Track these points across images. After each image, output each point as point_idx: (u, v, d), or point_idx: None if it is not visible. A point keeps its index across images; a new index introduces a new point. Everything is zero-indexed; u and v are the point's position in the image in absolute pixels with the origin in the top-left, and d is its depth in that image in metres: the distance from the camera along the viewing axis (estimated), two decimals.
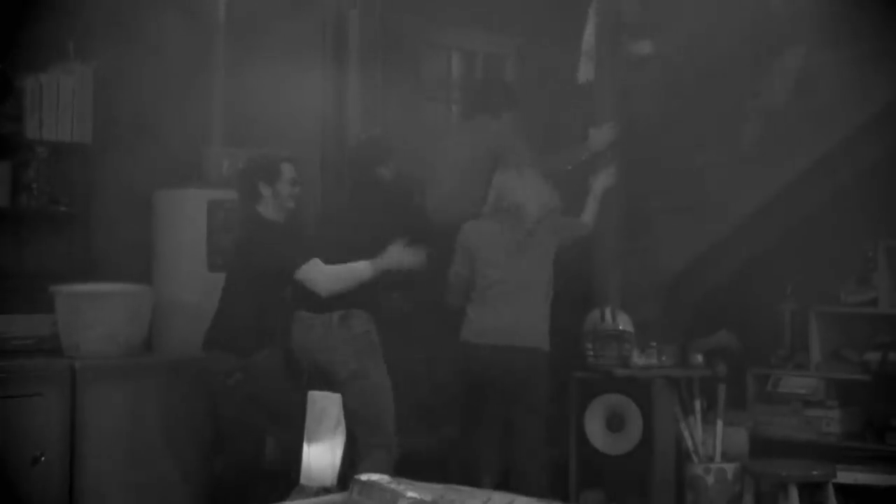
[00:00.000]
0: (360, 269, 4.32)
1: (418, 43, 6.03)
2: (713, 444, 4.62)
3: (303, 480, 3.50)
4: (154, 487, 4.50)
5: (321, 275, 4.29)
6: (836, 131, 5.08)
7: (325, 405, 3.58)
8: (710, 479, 4.52)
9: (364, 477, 3.14)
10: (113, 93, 4.93)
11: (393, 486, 3.05)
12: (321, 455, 3.51)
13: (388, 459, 4.28)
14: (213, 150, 5.12)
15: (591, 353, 4.72)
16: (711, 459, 4.59)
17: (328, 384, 4.16)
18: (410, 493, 2.99)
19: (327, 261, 4.33)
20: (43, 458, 4.25)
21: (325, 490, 3.43)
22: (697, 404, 4.66)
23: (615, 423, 4.60)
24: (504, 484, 4.13)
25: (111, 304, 4.60)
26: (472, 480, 3.99)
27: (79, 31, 4.84)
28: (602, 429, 4.62)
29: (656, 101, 5.29)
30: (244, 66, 5.25)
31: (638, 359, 4.70)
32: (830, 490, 4.40)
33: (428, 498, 2.94)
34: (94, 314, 4.55)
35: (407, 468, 3.61)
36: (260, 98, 5.29)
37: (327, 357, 4.34)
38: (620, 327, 4.75)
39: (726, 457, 4.62)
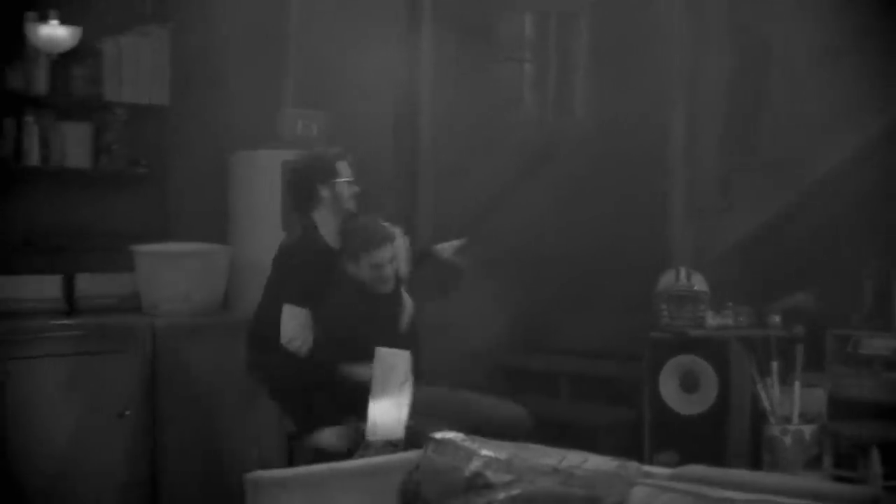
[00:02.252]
0: None
1: (492, 4, 5.99)
2: (791, 405, 4.56)
3: (369, 436, 3.54)
4: (229, 443, 4.59)
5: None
6: None
7: (394, 362, 3.61)
8: (788, 440, 4.47)
9: (439, 435, 3.16)
10: (189, 54, 4.98)
11: (467, 444, 3.07)
12: (388, 411, 3.55)
13: None
14: (287, 111, 5.15)
15: (666, 314, 4.68)
16: (789, 420, 4.53)
17: None
18: (485, 451, 3.01)
19: None
20: (128, 413, 4.36)
21: (392, 445, 3.46)
22: (774, 365, 4.60)
23: (690, 383, 4.56)
24: None
25: (188, 263, 4.67)
26: None
27: None
28: (676, 390, 4.58)
29: (730, 53, 5.19)
30: (318, 28, 5.27)
31: (713, 320, 4.64)
32: None
33: (502, 456, 2.96)
34: (171, 273, 4.63)
35: None
36: (333, 59, 5.30)
37: None
38: (695, 288, 4.69)
39: (804, 418, 4.56)
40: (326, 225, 4.00)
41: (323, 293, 4.00)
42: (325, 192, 3.95)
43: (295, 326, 3.87)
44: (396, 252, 4.03)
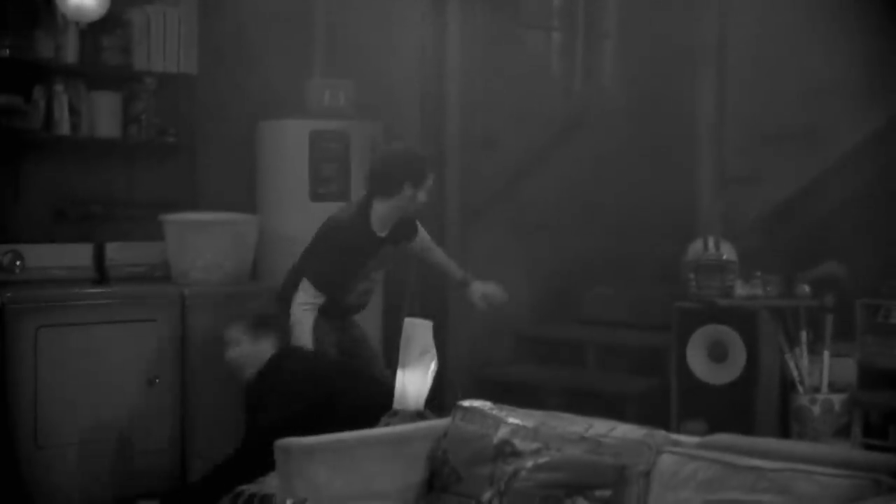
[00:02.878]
0: None
1: None
2: (820, 375, 4.54)
3: (396, 405, 3.56)
4: None
5: None
6: None
7: (413, 332, 3.63)
8: (817, 410, 4.45)
9: (467, 403, 3.18)
10: (217, 23, 4.98)
11: (495, 412, 3.08)
12: (414, 380, 3.56)
13: None
14: (314, 80, 5.15)
15: (694, 283, 4.66)
16: (818, 390, 4.51)
17: None
18: (512, 419, 3.02)
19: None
20: (157, 381, 4.41)
21: (419, 415, 3.48)
22: (803, 335, 4.57)
23: (718, 353, 4.55)
24: None
25: (217, 232, 4.70)
26: None
27: None
28: (704, 359, 4.57)
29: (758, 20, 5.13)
30: None
31: (742, 289, 4.62)
32: None
33: (530, 424, 2.97)
34: (201, 242, 4.65)
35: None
36: (361, 28, 5.29)
37: None
38: (724, 257, 4.67)
39: (833, 388, 4.54)
40: (382, 217, 4.14)
41: (346, 285, 4.12)
42: (408, 191, 4.09)
43: (304, 310, 4.05)
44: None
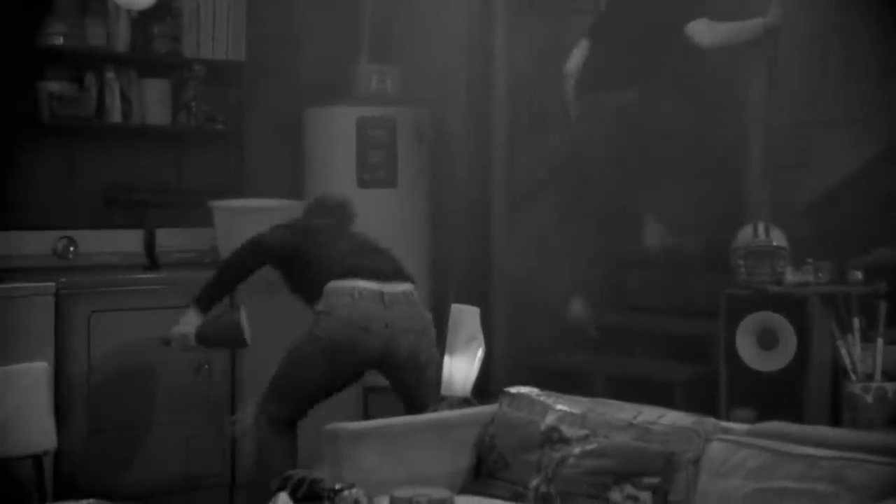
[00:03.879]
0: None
1: None
2: (873, 363, 4.48)
3: (443, 391, 3.57)
4: None
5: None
6: None
7: (460, 318, 3.63)
8: (870, 398, 4.39)
9: (514, 389, 3.18)
10: (265, 11, 5.01)
11: (542, 398, 3.08)
12: (461, 367, 3.57)
13: None
14: (361, 67, 5.15)
15: (744, 269, 4.62)
16: (870, 378, 4.45)
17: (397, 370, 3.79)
18: (560, 406, 3.02)
19: None
20: (206, 367, 4.45)
21: (466, 401, 3.49)
22: (856, 322, 4.51)
23: (767, 340, 4.50)
24: None
25: (265, 218, 4.70)
26: None
27: None
28: (754, 346, 4.52)
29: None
30: None
31: (792, 276, 4.56)
32: None
33: (577, 411, 2.97)
34: (249, 228, 4.66)
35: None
36: (407, 15, 5.28)
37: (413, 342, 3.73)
38: (774, 243, 4.61)
39: (887, 376, 4.47)
40: None
41: None
42: None
43: None
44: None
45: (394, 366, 3.73)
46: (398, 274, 3.74)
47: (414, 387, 3.82)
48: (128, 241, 4.68)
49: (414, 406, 3.71)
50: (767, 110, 4.90)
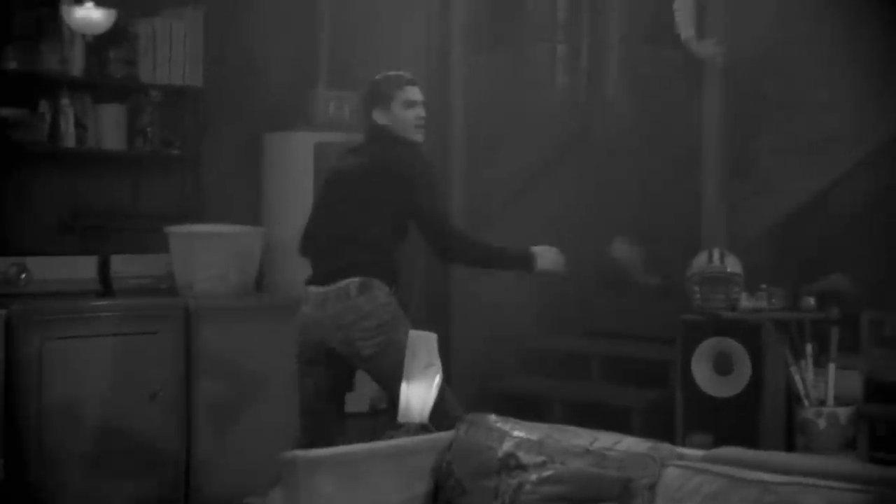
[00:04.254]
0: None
1: None
2: (825, 388, 4.53)
3: (400, 418, 3.55)
4: (265, 422, 4.62)
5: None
6: None
7: (417, 344, 3.62)
8: (822, 423, 4.44)
9: (471, 416, 3.17)
10: (222, 36, 5.00)
11: (500, 425, 3.07)
12: (418, 393, 3.55)
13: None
14: (319, 92, 5.16)
15: (699, 295, 4.66)
16: (823, 403, 4.50)
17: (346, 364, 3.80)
18: (517, 433, 3.01)
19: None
20: (161, 393, 4.40)
21: (424, 428, 3.47)
22: (809, 347, 4.56)
23: (723, 366, 4.54)
24: None
25: (223, 244, 4.70)
26: None
27: None
28: (710, 372, 4.56)
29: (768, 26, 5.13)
30: (350, 7, 5.27)
31: (747, 302, 4.61)
32: None
33: (535, 437, 2.96)
34: (206, 255, 4.66)
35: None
36: (365, 41, 5.30)
37: (343, 336, 3.73)
38: (729, 270, 4.66)
39: (839, 401, 4.52)
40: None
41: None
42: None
43: None
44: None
45: (344, 359, 3.76)
46: (341, 272, 3.71)
47: (376, 378, 3.79)
48: (82, 268, 4.63)
49: (390, 394, 3.68)
50: (723, 137, 4.96)
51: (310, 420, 3.85)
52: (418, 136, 3.81)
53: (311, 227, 3.90)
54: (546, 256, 3.89)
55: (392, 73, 3.84)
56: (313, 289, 3.77)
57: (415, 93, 3.80)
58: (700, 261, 4.71)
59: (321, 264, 3.80)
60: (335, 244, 3.77)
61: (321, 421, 3.85)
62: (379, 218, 3.73)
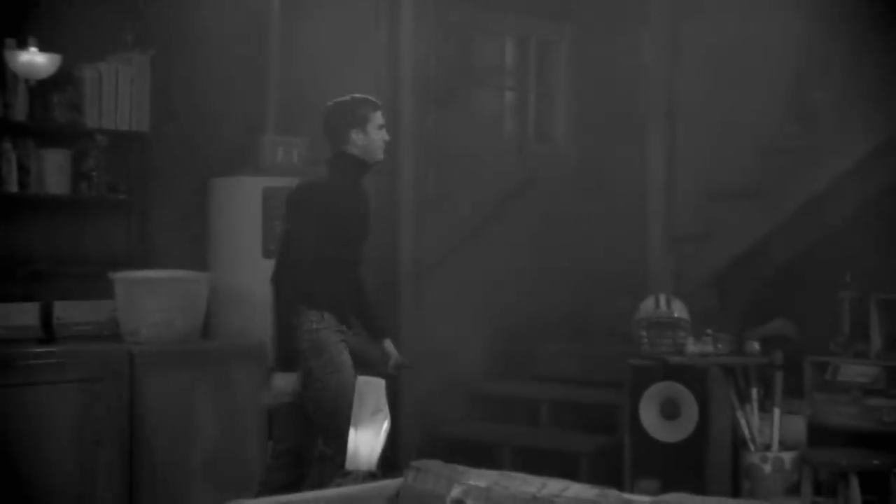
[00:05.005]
0: None
1: (472, 28, 6.02)
2: (770, 433, 4.57)
3: (348, 465, 3.52)
4: (210, 470, 4.56)
5: None
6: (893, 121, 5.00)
7: (365, 390, 3.60)
8: (768, 468, 4.47)
9: (419, 463, 3.15)
10: (170, 81, 4.98)
11: (448, 471, 3.06)
12: (366, 440, 3.53)
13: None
14: (267, 137, 5.15)
15: (646, 341, 4.69)
16: (768, 448, 4.54)
17: None
18: (465, 479, 2.99)
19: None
20: (104, 442, 4.33)
21: (371, 475, 3.45)
22: (754, 392, 4.61)
23: (670, 410, 4.56)
24: None
25: (168, 290, 4.65)
26: None
27: (137, 20, 4.90)
28: (657, 416, 4.59)
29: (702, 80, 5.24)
30: (298, 54, 5.29)
31: (693, 346, 4.65)
32: (892, 479, 4.33)
33: (482, 484, 2.95)
34: (151, 300, 4.61)
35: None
36: (314, 86, 5.31)
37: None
38: (675, 315, 4.70)
39: (784, 445, 4.57)
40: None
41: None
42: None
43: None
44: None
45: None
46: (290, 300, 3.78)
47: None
48: (23, 314, 4.55)
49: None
50: (667, 183, 5.02)
51: (286, 430, 3.90)
52: (381, 156, 3.97)
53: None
54: (286, 378, 3.76)
55: (358, 95, 3.98)
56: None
57: (382, 117, 3.98)
58: (647, 305, 4.74)
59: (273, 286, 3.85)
60: (277, 269, 3.82)
61: (298, 431, 3.88)
62: (297, 243, 3.78)
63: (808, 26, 5.06)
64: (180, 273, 4.74)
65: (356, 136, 3.90)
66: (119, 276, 4.64)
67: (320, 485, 3.63)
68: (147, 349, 4.50)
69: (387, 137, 3.96)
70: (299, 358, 3.76)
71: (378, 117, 3.95)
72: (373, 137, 3.92)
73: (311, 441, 3.88)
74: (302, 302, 3.76)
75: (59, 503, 4.25)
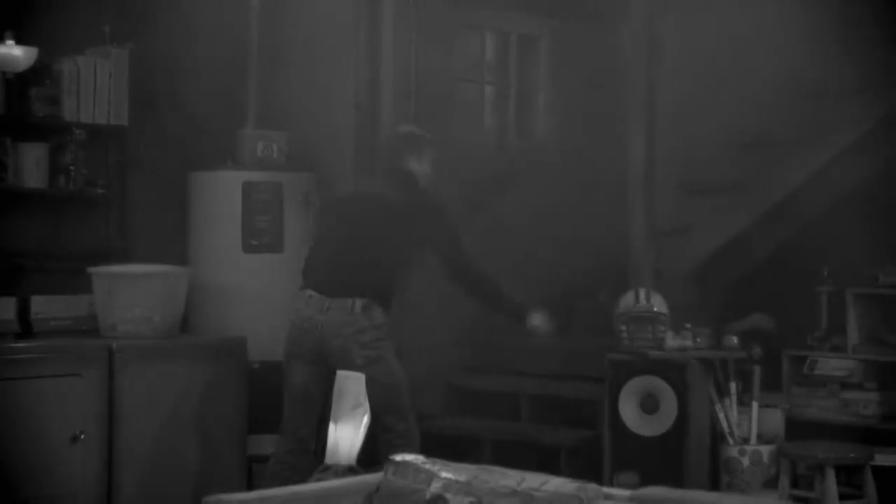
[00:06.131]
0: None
1: (452, 23, 6.02)
2: (748, 426, 4.59)
3: (328, 460, 3.53)
4: (189, 467, 4.55)
5: None
6: (872, 114, 5.04)
7: (345, 384, 3.61)
8: (746, 461, 4.50)
9: (398, 457, 3.15)
10: (149, 75, 4.96)
11: (427, 466, 3.06)
12: (346, 435, 3.53)
13: (415, 446, 4.17)
14: (247, 132, 5.13)
15: (626, 334, 4.71)
16: (747, 441, 4.57)
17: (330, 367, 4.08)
18: (445, 474, 3.00)
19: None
20: (82, 437, 4.31)
21: (351, 470, 3.45)
22: (732, 386, 4.63)
23: (649, 404, 4.58)
24: None
25: (147, 285, 4.64)
26: None
27: (115, 13, 4.88)
28: (636, 410, 4.60)
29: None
30: (279, 48, 5.27)
31: (672, 341, 4.67)
32: (868, 472, 4.37)
33: (462, 478, 2.95)
34: (130, 295, 4.59)
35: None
36: (294, 80, 5.30)
37: (342, 343, 4.19)
38: (655, 309, 4.72)
39: (762, 439, 4.59)
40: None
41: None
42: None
43: None
44: None
45: (331, 364, 4.11)
46: (346, 288, 4.21)
47: None
48: (0, 309, 4.52)
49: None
50: (648, 178, 5.04)
51: (297, 409, 4.29)
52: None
53: (319, 244, 4.43)
54: (537, 316, 4.45)
55: (428, 134, 4.51)
56: (315, 294, 4.23)
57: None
58: (627, 300, 4.76)
59: (327, 275, 4.26)
60: (347, 262, 4.26)
61: (309, 409, 4.28)
62: (392, 248, 4.30)
63: (787, 24, 5.09)
64: (159, 268, 4.72)
65: (413, 164, 4.42)
66: (97, 270, 4.62)
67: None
68: (126, 344, 4.48)
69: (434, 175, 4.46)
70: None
71: (435, 154, 4.49)
72: (426, 171, 4.45)
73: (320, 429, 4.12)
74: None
75: (37, 500, 4.23)
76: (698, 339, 4.68)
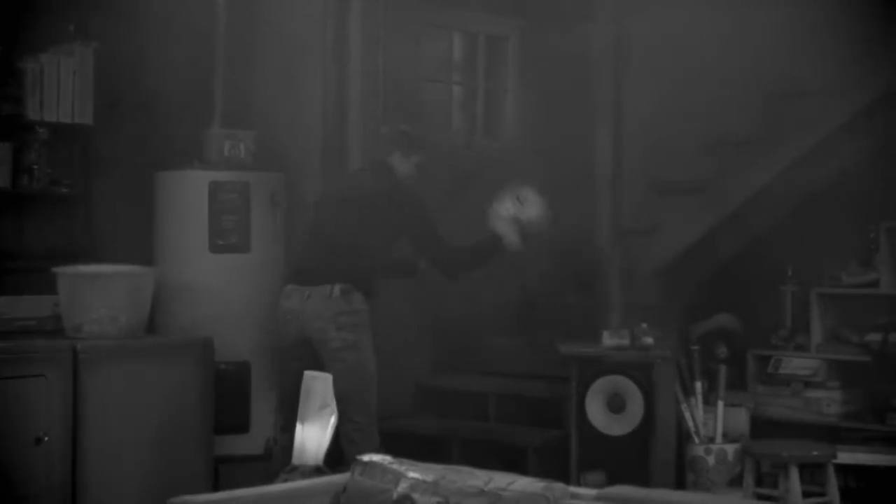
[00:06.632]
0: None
1: (420, 23, 6.02)
2: (714, 425, 4.63)
3: (295, 460, 3.52)
4: (155, 467, 4.51)
5: None
6: (837, 115, 5.09)
7: (312, 384, 3.60)
8: (711, 460, 4.54)
9: (366, 458, 3.15)
10: (114, 73, 4.92)
11: (395, 466, 3.06)
12: (313, 435, 3.53)
13: (372, 443, 4.23)
14: (214, 131, 5.10)
15: None
16: (712, 440, 4.60)
17: (315, 353, 4.30)
18: (412, 474, 3.00)
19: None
20: (46, 439, 4.27)
21: (318, 470, 3.44)
22: (698, 385, 4.67)
23: (616, 404, 4.61)
24: None
25: (113, 285, 4.60)
26: None
27: (79, 11, 4.83)
28: (603, 410, 4.63)
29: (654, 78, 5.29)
30: (246, 47, 5.25)
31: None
32: (831, 470, 4.41)
33: (430, 478, 2.96)
34: (95, 295, 4.55)
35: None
36: (261, 79, 5.28)
37: (321, 325, 4.34)
38: None
39: (727, 437, 4.64)
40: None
41: None
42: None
43: None
44: None
45: (316, 349, 4.33)
46: (326, 276, 4.35)
47: (336, 372, 3.92)
48: None
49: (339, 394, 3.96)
50: (615, 178, 5.06)
51: (289, 400, 4.19)
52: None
53: (303, 242, 4.59)
54: (508, 233, 4.52)
55: (418, 133, 4.63)
56: (295, 286, 4.40)
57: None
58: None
59: (307, 265, 4.44)
60: (326, 252, 4.41)
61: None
62: (372, 236, 4.39)
63: (756, 25, 5.13)
64: (125, 267, 4.68)
65: (396, 160, 4.55)
66: (62, 270, 4.58)
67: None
68: (91, 344, 4.44)
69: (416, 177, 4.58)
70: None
71: (421, 158, 4.61)
72: (408, 171, 4.58)
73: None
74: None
75: (1, 502, 4.19)
76: (664, 339, 4.70)
